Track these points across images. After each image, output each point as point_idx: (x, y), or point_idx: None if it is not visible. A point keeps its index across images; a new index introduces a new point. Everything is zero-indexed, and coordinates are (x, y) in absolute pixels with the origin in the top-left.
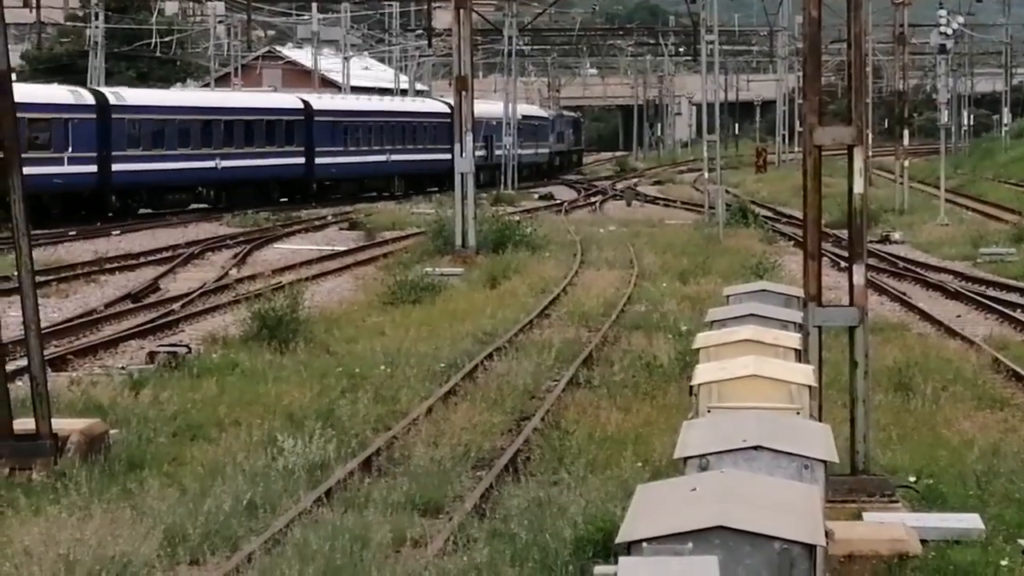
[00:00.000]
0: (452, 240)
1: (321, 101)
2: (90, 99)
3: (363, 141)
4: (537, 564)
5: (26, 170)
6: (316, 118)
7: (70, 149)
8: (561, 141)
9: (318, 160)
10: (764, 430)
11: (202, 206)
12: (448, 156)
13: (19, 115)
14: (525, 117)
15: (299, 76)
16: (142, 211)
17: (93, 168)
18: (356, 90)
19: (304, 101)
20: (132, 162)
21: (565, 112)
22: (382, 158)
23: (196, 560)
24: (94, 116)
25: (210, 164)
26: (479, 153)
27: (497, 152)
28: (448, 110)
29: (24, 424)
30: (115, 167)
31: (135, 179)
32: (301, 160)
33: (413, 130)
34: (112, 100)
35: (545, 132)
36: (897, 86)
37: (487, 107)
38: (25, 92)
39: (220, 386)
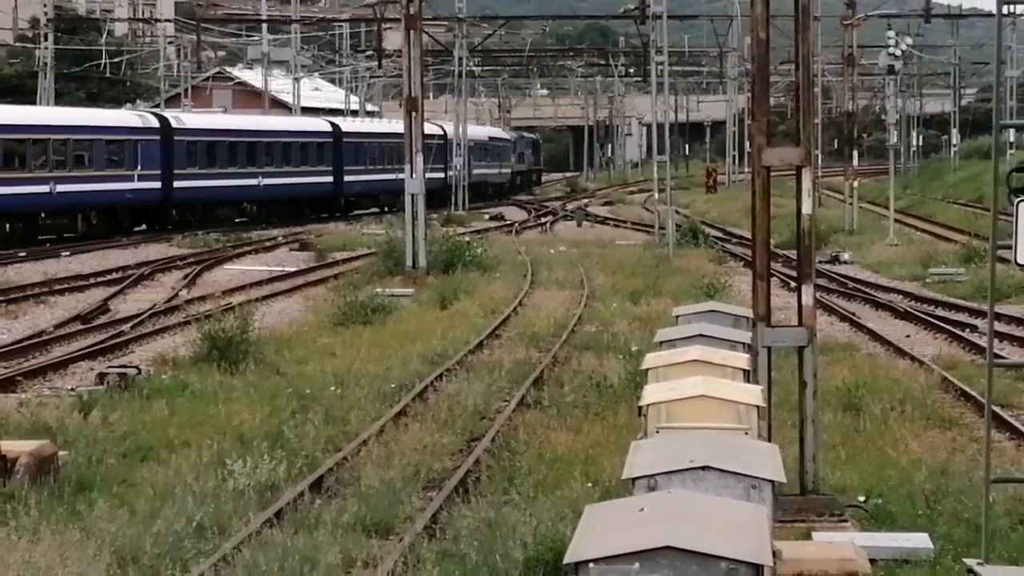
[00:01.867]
0: (403, 261)
1: (348, 124)
2: (155, 122)
3: (379, 160)
4: None
5: (102, 186)
6: (344, 140)
7: (139, 167)
8: (522, 161)
9: (346, 178)
10: (712, 450)
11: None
12: (440, 174)
13: (98, 137)
14: (491, 138)
15: (249, 97)
16: (196, 223)
17: (158, 184)
18: (307, 111)
19: (333, 124)
20: (190, 179)
21: (525, 134)
22: (392, 176)
23: None
24: (158, 138)
25: (254, 182)
26: (459, 172)
27: (475, 171)
28: (441, 132)
29: None
30: (176, 184)
31: (193, 195)
32: (330, 178)
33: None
34: (173, 123)
35: (507, 153)
36: (846, 107)
37: (468, 129)
38: (102, 117)
39: (170, 407)
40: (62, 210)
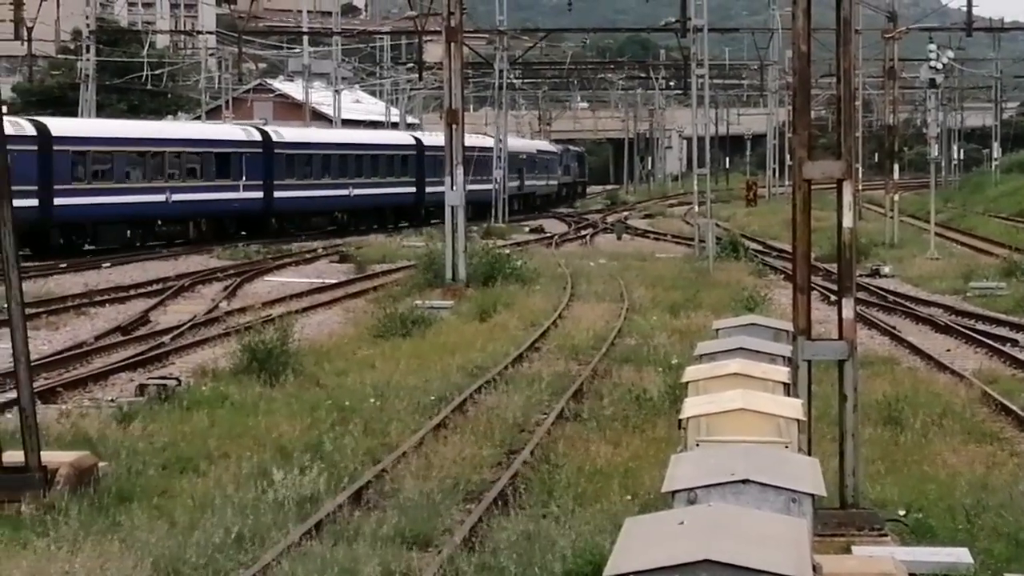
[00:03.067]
0: (442, 273)
1: (428, 137)
2: (257, 136)
3: None
4: None
5: (212, 196)
6: (426, 152)
7: (243, 178)
8: (568, 173)
9: (427, 189)
10: (752, 464)
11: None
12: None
13: (208, 150)
14: (539, 151)
15: (290, 109)
16: (293, 231)
17: (260, 194)
18: (347, 123)
19: (416, 138)
20: (289, 190)
21: (571, 147)
22: (471, 187)
23: None
24: (260, 151)
25: (344, 192)
26: (512, 183)
27: (528, 182)
28: (491, 145)
29: (13, 456)
30: (276, 194)
31: (291, 204)
32: (413, 189)
33: (474, 162)
34: (274, 137)
35: (554, 165)
36: (887, 120)
37: (519, 142)
38: (212, 131)
39: (210, 419)
40: (176, 218)
